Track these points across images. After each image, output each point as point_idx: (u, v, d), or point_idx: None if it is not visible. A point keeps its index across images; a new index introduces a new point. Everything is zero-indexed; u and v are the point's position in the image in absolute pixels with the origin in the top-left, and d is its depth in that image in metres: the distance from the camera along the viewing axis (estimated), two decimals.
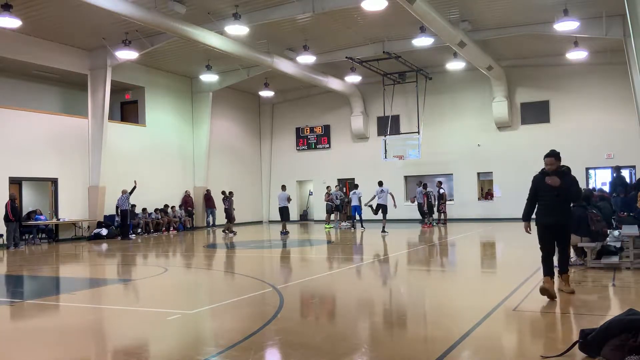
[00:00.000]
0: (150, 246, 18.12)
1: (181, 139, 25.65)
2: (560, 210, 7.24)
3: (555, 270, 7.43)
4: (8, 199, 17.59)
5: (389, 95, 25.95)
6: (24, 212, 19.62)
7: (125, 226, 20.61)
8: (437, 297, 8.25)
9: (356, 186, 22.81)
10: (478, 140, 25.77)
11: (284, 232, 20.30)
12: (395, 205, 21.67)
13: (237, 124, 29.31)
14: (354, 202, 22.12)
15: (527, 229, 7.51)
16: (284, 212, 20.69)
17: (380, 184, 21.06)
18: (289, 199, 20.75)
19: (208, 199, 25.33)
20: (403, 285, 9.60)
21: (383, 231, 19.60)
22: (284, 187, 21.62)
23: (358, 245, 17.13)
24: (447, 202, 25.63)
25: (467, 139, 25.87)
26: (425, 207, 22.88)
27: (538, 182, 7.41)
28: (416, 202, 23.33)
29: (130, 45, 19.03)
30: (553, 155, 7.29)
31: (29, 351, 5.59)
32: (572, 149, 23.88)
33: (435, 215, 23.51)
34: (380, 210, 20.25)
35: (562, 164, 7.39)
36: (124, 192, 20.53)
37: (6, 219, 17.32)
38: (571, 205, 7.72)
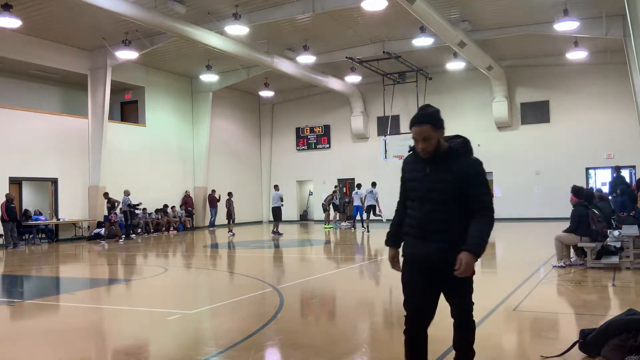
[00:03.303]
0: (150, 246, 18.12)
1: (181, 139, 25.65)
2: (443, 229, 3.53)
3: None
4: (4, 199, 17.62)
5: (389, 95, 25.93)
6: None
7: (126, 226, 20.62)
8: None
9: (359, 186, 22.80)
10: (478, 140, 25.68)
11: (277, 233, 20.30)
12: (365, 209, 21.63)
13: (237, 124, 29.31)
14: (356, 202, 22.11)
15: (393, 263, 3.92)
16: (277, 212, 20.70)
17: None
18: (281, 199, 20.82)
19: (212, 199, 25.35)
20: None
21: (367, 231, 20.29)
22: (277, 187, 21.74)
23: (357, 245, 17.12)
24: None
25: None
26: None
27: (405, 169, 3.81)
28: None
29: (130, 45, 19.03)
30: (424, 121, 3.52)
31: (29, 351, 5.59)
32: (572, 149, 23.98)
33: None
34: (371, 211, 20.63)
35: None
36: (126, 192, 20.53)
37: (2, 219, 17.37)
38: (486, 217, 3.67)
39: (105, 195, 19.91)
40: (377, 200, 21.25)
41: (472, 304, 3.80)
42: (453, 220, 3.53)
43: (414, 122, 3.56)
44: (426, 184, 3.58)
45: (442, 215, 3.53)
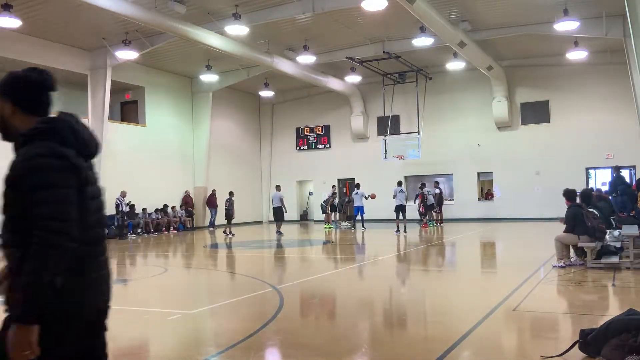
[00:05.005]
0: (150, 246, 18.12)
1: (181, 139, 25.65)
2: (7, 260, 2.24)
3: None
4: None
5: (389, 95, 25.93)
6: None
7: (119, 227, 20.64)
8: (437, 297, 8.24)
9: (358, 186, 22.80)
10: (478, 140, 25.76)
11: (279, 232, 20.34)
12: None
13: (237, 124, 29.31)
14: (357, 203, 22.08)
15: None
16: (278, 212, 20.73)
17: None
18: (281, 200, 20.83)
19: (212, 199, 25.38)
20: (403, 285, 9.59)
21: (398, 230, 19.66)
22: (278, 187, 21.78)
23: (357, 245, 17.12)
24: (447, 202, 25.65)
25: (467, 139, 25.86)
26: (422, 207, 23.03)
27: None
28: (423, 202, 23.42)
29: (130, 45, 19.03)
30: None
31: None
32: (572, 149, 23.98)
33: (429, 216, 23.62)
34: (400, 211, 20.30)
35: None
36: (122, 194, 20.53)
37: None
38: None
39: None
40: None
41: None
42: (10, 249, 2.23)
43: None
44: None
45: (2, 239, 2.27)
